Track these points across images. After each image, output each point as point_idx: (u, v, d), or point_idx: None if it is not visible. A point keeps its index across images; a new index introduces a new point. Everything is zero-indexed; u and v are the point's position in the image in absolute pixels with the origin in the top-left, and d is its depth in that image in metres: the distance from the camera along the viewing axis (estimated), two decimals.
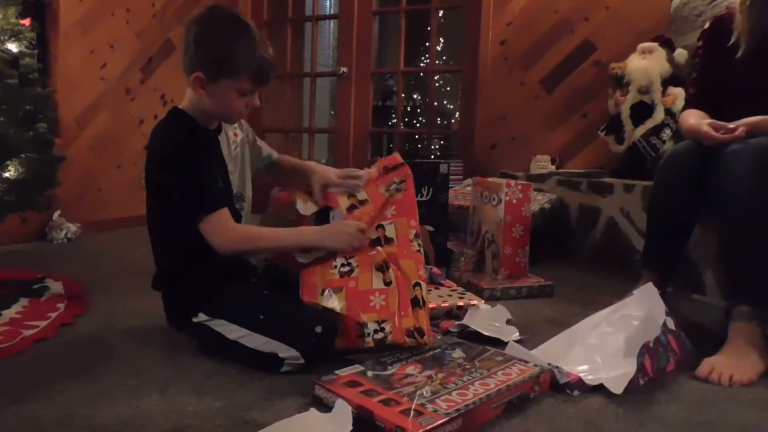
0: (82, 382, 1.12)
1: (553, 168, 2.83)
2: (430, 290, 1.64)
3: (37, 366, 1.21)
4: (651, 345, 1.13)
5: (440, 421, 0.89)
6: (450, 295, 1.66)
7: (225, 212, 1.26)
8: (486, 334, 1.39)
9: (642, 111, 2.44)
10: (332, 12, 5.45)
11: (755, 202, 1.29)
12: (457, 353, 1.19)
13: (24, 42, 1.90)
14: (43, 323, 1.44)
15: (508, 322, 1.51)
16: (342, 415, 0.92)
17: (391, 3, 5.14)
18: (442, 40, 5.95)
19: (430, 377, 1.06)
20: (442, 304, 1.57)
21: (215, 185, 1.28)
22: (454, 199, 2.53)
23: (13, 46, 1.86)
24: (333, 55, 6.07)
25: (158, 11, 3.22)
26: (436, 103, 5.78)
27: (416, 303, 1.23)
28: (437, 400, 0.96)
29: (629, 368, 1.11)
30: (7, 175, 1.76)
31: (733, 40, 1.60)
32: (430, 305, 1.45)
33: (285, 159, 1.60)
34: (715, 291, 1.80)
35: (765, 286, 1.29)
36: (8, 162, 1.77)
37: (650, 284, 1.34)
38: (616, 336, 1.25)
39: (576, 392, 1.10)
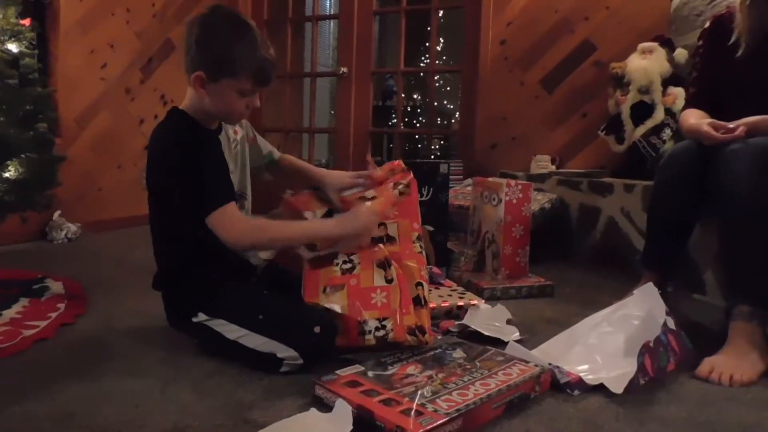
0: (82, 382, 1.12)
1: (553, 168, 2.83)
2: (430, 290, 1.63)
3: (37, 366, 1.21)
4: (651, 345, 1.13)
5: (441, 421, 0.89)
6: (450, 295, 1.66)
7: (232, 205, 1.25)
8: (486, 333, 1.39)
9: (642, 111, 2.44)
10: (332, 12, 5.45)
11: (755, 202, 1.29)
12: (458, 353, 1.19)
13: (24, 42, 1.90)
14: (43, 323, 1.44)
15: (509, 321, 1.51)
16: (342, 415, 0.92)
17: (391, 3, 5.14)
18: (442, 40, 5.95)
19: (430, 377, 1.05)
20: (442, 304, 1.57)
21: (219, 181, 1.28)
22: (454, 199, 2.53)
23: (13, 47, 1.86)
24: (333, 55, 6.08)
25: (158, 11, 3.22)
26: (436, 103, 5.78)
27: (418, 302, 1.24)
28: (438, 400, 0.96)
29: (629, 368, 1.11)
30: (7, 175, 1.76)
31: (733, 39, 1.60)
32: (430, 305, 1.45)
33: (289, 159, 1.60)
34: (715, 291, 1.80)
35: (765, 286, 1.29)
36: (8, 162, 1.77)
37: (650, 284, 1.34)
38: (616, 336, 1.26)
39: (576, 392, 1.10)
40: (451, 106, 7.07)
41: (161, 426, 0.95)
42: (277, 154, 1.58)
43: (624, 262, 2.15)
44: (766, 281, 1.29)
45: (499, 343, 1.32)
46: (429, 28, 3.51)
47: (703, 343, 1.30)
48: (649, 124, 2.41)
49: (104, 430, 0.93)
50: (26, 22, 1.97)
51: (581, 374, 1.14)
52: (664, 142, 2.37)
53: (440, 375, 1.06)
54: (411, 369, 1.09)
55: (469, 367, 1.11)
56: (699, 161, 1.49)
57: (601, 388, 1.11)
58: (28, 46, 1.92)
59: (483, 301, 1.64)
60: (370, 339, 1.19)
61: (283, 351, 1.16)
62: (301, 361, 1.16)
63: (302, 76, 4.09)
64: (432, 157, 5.39)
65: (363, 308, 1.21)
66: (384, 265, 1.27)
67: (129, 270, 2.07)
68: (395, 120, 4.05)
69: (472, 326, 1.41)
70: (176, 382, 1.12)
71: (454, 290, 1.73)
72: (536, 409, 1.04)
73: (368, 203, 1.36)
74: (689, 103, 1.74)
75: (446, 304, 1.57)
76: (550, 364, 1.15)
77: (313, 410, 0.97)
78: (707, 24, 1.75)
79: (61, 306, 1.59)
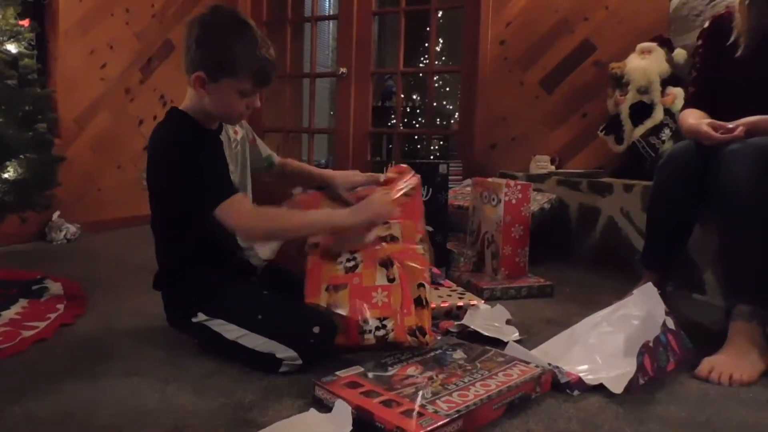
0: (82, 382, 1.11)
1: (552, 168, 2.83)
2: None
3: (36, 367, 1.21)
4: (651, 344, 1.13)
5: (441, 422, 0.89)
6: (449, 296, 1.66)
7: (240, 195, 1.26)
8: (486, 334, 1.38)
9: (641, 111, 2.45)
10: (331, 12, 5.45)
11: (755, 202, 1.29)
12: (458, 354, 1.18)
13: (23, 43, 1.90)
14: (42, 324, 1.43)
15: (508, 322, 1.51)
16: (342, 415, 0.92)
17: (390, 3, 5.15)
18: (441, 41, 5.95)
19: (430, 378, 1.05)
20: (442, 305, 1.57)
21: (223, 175, 1.28)
22: (453, 200, 2.53)
23: (12, 47, 1.86)
24: (332, 56, 6.08)
25: (158, 11, 3.22)
26: (435, 104, 5.79)
27: (419, 302, 1.23)
28: (438, 401, 0.95)
29: (629, 368, 1.11)
30: (6, 175, 1.76)
31: (732, 39, 1.60)
32: (430, 305, 1.45)
33: (292, 163, 1.60)
34: (714, 290, 1.81)
35: (765, 286, 1.29)
36: (8, 162, 1.77)
37: (650, 284, 1.34)
38: (616, 336, 1.26)
39: (576, 392, 1.10)
40: (451, 107, 7.07)
41: (161, 426, 0.95)
42: (277, 158, 1.58)
43: (623, 262, 2.15)
44: (765, 281, 1.29)
45: (499, 344, 1.32)
46: (428, 29, 3.51)
47: (702, 342, 1.30)
48: (648, 124, 2.41)
49: (104, 430, 0.94)
50: (25, 22, 1.97)
51: (581, 374, 1.14)
52: (663, 142, 2.37)
53: (440, 376, 1.06)
54: (411, 370, 1.09)
55: (469, 368, 1.11)
56: (698, 161, 1.50)
57: (600, 388, 1.11)
58: (27, 47, 1.93)
59: (482, 301, 1.64)
60: (370, 338, 1.19)
61: (283, 351, 1.16)
62: (300, 362, 1.16)
63: (302, 76, 4.09)
64: (431, 157, 5.39)
65: (364, 307, 1.21)
66: (386, 264, 1.27)
67: (128, 270, 2.07)
68: (394, 120, 4.06)
69: (472, 326, 1.41)
70: (176, 382, 1.12)
71: (454, 290, 1.73)
72: (536, 409, 1.04)
73: (381, 192, 1.35)
74: (688, 103, 1.74)
75: (446, 305, 1.57)
76: (549, 364, 1.15)
77: (312, 411, 0.97)
78: (706, 24, 1.76)
79: (61, 306, 1.59)
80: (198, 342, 1.31)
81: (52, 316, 1.50)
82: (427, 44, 3.94)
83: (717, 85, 1.65)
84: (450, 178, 2.07)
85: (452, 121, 6.77)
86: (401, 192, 1.39)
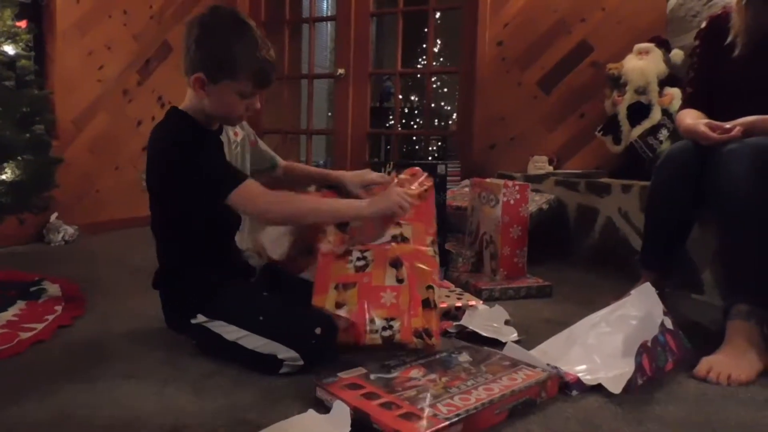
0: (80, 383, 1.11)
1: (550, 168, 2.83)
2: None
3: (34, 368, 1.20)
4: (649, 344, 1.13)
5: (439, 426, 0.88)
6: (448, 296, 1.66)
7: (252, 181, 1.25)
8: (484, 334, 1.39)
9: (639, 111, 2.45)
10: (329, 14, 5.46)
11: (753, 202, 1.30)
12: (464, 357, 1.17)
13: (20, 44, 1.90)
14: (40, 325, 1.43)
15: (507, 322, 1.51)
16: (340, 416, 0.92)
17: (388, 4, 5.15)
18: (439, 42, 5.97)
19: (433, 381, 1.05)
20: (441, 305, 1.56)
21: (228, 165, 1.28)
22: (452, 200, 2.53)
23: (9, 48, 1.86)
24: (330, 57, 6.09)
25: (155, 13, 3.21)
26: (433, 105, 5.79)
27: (427, 304, 1.22)
28: (438, 404, 0.95)
29: (627, 368, 1.11)
30: (4, 177, 1.76)
31: (729, 39, 1.60)
32: None
33: (299, 166, 1.60)
34: (713, 290, 1.81)
35: (763, 285, 1.29)
36: (5, 164, 1.77)
37: (648, 284, 1.34)
38: (614, 336, 1.25)
39: (575, 392, 1.10)
40: (449, 107, 7.08)
41: (159, 427, 0.95)
42: (281, 160, 1.57)
43: (622, 262, 2.15)
44: (763, 280, 1.29)
45: (497, 344, 1.32)
46: (426, 30, 3.52)
47: (701, 342, 1.30)
48: (646, 124, 2.42)
49: (102, 431, 0.93)
50: (22, 24, 1.97)
51: (580, 374, 1.14)
52: (660, 142, 2.37)
53: (443, 379, 1.06)
54: (414, 372, 1.09)
55: (473, 371, 1.10)
56: (696, 161, 1.50)
57: (599, 388, 1.11)
58: (25, 48, 1.92)
59: (481, 301, 1.64)
60: (376, 338, 1.18)
61: (284, 352, 1.16)
62: (301, 363, 1.16)
63: (300, 77, 4.09)
64: (429, 158, 5.39)
65: (372, 307, 1.21)
66: (396, 264, 1.27)
67: (127, 272, 2.07)
68: (393, 121, 4.06)
69: (471, 327, 1.41)
70: (174, 383, 1.12)
71: (452, 291, 1.73)
72: (535, 409, 1.04)
73: (401, 189, 1.34)
74: (686, 104, 1.74)
75: (444, 305, 1.57)
76: (548, 364, 1.15)
77: (311, 411, 0.96)
78: (704, 24, 1.76)
79: (59, 308, 1.58)
80: (196, 343, 1.31)
81: (50, 317, 1.50)
82: (425, 45, 3.95)
83: (714, 86, 1.65)
84: (448, 178, 2.07)
85: (450, 122, 6.79)
86: (416, 193, 1.38)
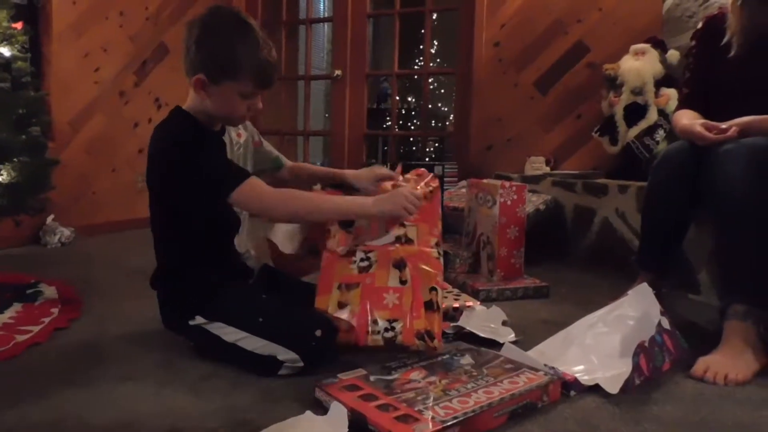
0: (77, 385, 1.11)
1: (547, 169, 2.83)
2: None
3: (31, 371, 1.20)
4: (646, 344, 1.13)
5: (436, 429, 0.88)
6: (445, 297, 1.66)
7: (255, 178, 1.24)
8: (481, 335, 1.38)
9: (635, 112, 2.45)
10: (326, 15, 5.46)
11: (749, 202, 1.30)
12: (466, 359, 1.17)
13: (16, 46, 1.90)
14: (36, 328, 1.43)
15: (504, 323, 1.51)
16: (337, 417, 0.92)
17: (385, 5, 5.15)
18: (436, 43, 5.97)
19: (432, 383, 1.04)
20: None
21: (230, 163, 1.27)
22: (449, 201, 2.54)
23: (5, 50, 1.86)
24: (327, 58, 6.09)
25: (152, 14, 3.21)
26: (430, 106, 5.80)
27: (430, 306, 1.21)
28: (436, 407, 0.94)
29: (625, 368, 1.11)
30: (0, 178, 1.76)
31: (725, 40, 1.60)
32: None
33: (305, 166, 1.60)
34: (710, 290, 1.81)
35: (760, 285, 1.29)
36: (1, 166, 1.77)
37: (645, 284, 1.34)
38: (611, 336, 1.26)
39: (572, 392, 1.10)
40: (446, 109, 7.09)
41: (157, 429, 0.94)
42: (286, 161, 1.56)
43: (619, 262, 2.15)
44: (760, 280, 1.30)
45: (495, 345, 1.32)
46: (423, 31, 3.52)
47: (698, 342, 1.30)
48: (643, 125, 2.42)
49: None
50: (18, 25, 1.97)
51: (577, 375, 1.14)
52: (657, 142, 2.38)
53: (443, 381, 1.05)
54: (414, 374, 1.08)
55: (475, 374, 1.10)
56: (692, 161, 1.50)
57: (597, 389, 1.11)
58: (21, 50, 1.92)
59: (478, 302, 1.64)
60: (378, 339, 1.17)
61: (284, 354, 1.15)
62: (301, 364, 1.16)
63: (296, 79, 4.09)
64: (427, 159, 5.39)
65: (374, 308, 1.20)
66: (400, 265, 1.26)
67: (123, 274, 2.06)
68: (390, 122, 4.06)
69: (468, 328, 1.41)
70: (172, 385, 1.12)
71: (450, 292, 1.73)
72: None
73: (411, 189, 1.33)
74: (682, 104, 1.75)
75: (442, 307, 1.57)
76: (545, 365, 1.15)
77: (308, 413, 0.96)
78: (700, 25, 1.76)
79: (55, 310, 1.58)
80: (194, 345, 1.30)
81: (47, 320, 1.49)
82: (421, 46, 3.95)
83: (710, 86, 1.66)
84: (445, 179, 2.07)
85: (447, 123, 6.79)
86: (422, 194, 1.37)
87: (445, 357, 1.18)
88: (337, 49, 3.59)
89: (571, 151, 2.92)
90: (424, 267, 1.26)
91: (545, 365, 1.14)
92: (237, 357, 1.20)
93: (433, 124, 6.99)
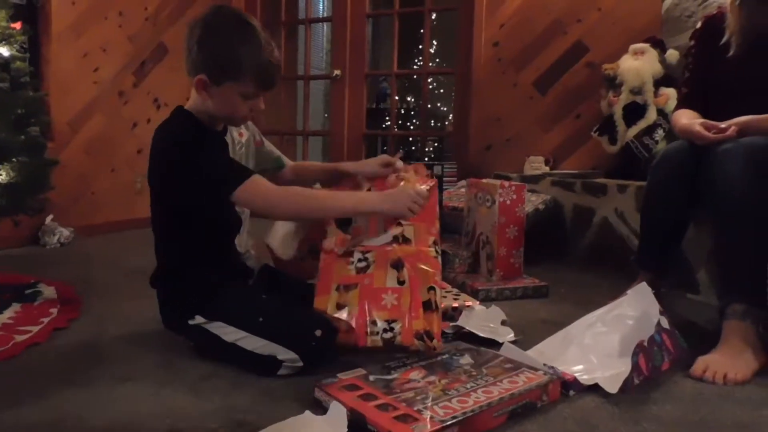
0: (76, 386, 1.11)
1: (546, 169, 2.83)
2: None
3: (30, 371, 1.20)
4: (645, 344, 1.13)
5: (435, 428, 0.88)
6: (445, 297, 1.66)
7: (258, 176, 1.23)
8: (481, 335, 1.38)
9: (635, 111, 2.45)
10: (325, 15, 5.45)
11: (748, 201, 1.30)
12: (465, 359, 1.17)
13: (15, 46, 1.89)
14: (35, 328, 1.43)
15: (503, 323, 1.51)
16: (337, 417, 0.92)
17: (384, 5, 5.15)
18: (435, 43, 5.97)
19: (432, 383, 1.04)
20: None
21: (232, 162, 1.27)
22: (448, 201, 2.54)
23: (4, 50, 1.85)
24: (326, 58, 6.08)
25: (151, 15, 3.21)
26: (429, 106, 5.79)
27: (428, 306, 1.21)
28: (435, 407, 0.94)
29: (624, 367, 1.11)
30: None
31: (724, 39, 1.60)
32: None
33: (307, 165, 1.60)
34: (709, 290, 1.81)
35: (758, 285, 1.30)
36: (0, 166, 1.76)
37: (644, 284, 1.34)
38: (611, 336, 1.26)
39: (572, 392, 1.10)
40: (445, 108, 7.08)
41: (156, 429, 0.94)
42: (288, 161, 1.56)
43: (618, 262, 2.15)
44: (759, 280, 1.30)
45: (494, 345, 1.32)
46: (422, 31, 3.52)
47: (697, 342, 1.30)
48: (642, 124, 2.42)
49: None
50: (17, 25, 1.97)
51: (576, 374, 1.14)
52: (656, 142, 2.38)
53: (443, 381, 1.05)
54: (414, 374, 1.08)
55: (474, 373, 1.10)
56: (691, 161, 1.50)
57: (596, 388, 1.11)
58: (20, 50, 1.92)
59: (478, 302, 1.64)
60: (376, 340, 1.17)
61: (284, 353, 1.15)
62: (300, 364, 1.15)
63: (296, 79, 4.09)
64: (426, 159, 5.39)
65: (373, 309, 1.20)
66: (397, 266, 1.26)
67: (123, 274, 2.06)
68: (389, 122, 4.06)
69: (467, 328, 1.41)
70: (171, 385, 1.12)
71: (449, 292, 1.73)
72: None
73: (417, 187, 1.32)
74: (681, 104, 1.75)
75: (441, 306, 1.57)
76: (545, 364, 1.15)
77: (307, 413, 0.96)
78: (699, 25, 1.77)
79: (54, 310, 1.58)
80: (194, 345, 1.30)
81: (46, 320, 1.49)
82: (421, 46, 3.95)
83: (709, 86, 1.66)
84: (445, 179, 2.07)
85: (447, 123, 6.79)
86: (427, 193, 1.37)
87: (444, 357, 1.18)
88: (337, 49, 3.59)
89: (570, 150, 2.92)
90: (422, 266, 1.26)
91: (544, 365, 1.14)
92: (237, 357, 1.20)
93: (432, 124, 6.99)
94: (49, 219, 2.63)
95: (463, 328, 1.42)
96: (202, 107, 1.27)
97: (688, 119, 1.57)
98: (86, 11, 2.85)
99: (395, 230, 1.31)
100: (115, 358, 1.27)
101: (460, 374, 1.09)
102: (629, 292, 1.35)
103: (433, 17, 4.35)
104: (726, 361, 1.21)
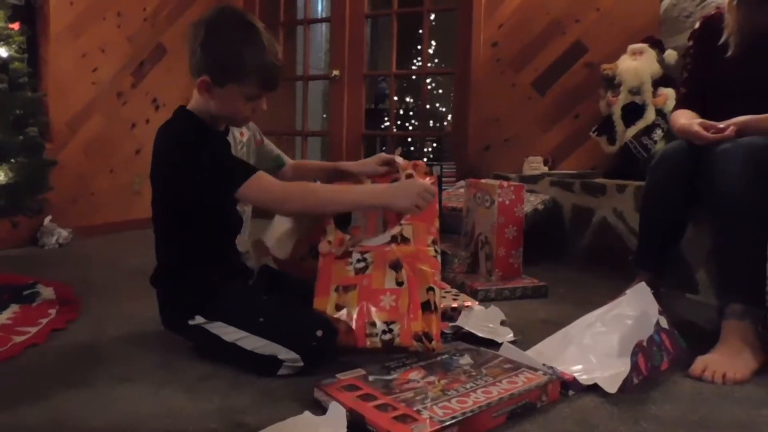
0: (74, 387, 1.11)
1: (545, 169, 2.84)
2: None
3: (28, 372, 1.20)
4: (644, 344, 1.13)
5: (435, 428, 0.88)
6: (444, 297, 1.66)
7: (263, 173, 1.22)
8: (480, 335, 1.38)
9: (633, 112, 2.46)
10: (324, 15, 5.46)
11: (747, 201, 1.30)
12: (465, 359, 1.17)
13: (13, 46, 1.89)
14: (34, 329, 1.42)
15: (502, 323, 1.51)
16: (336, 417, 0.92)
17: (382, 6, 5.16)
18: (434, 43, 5.97)
19: (431, 383, 1.04)
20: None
21: (237, 159, 1.26)
22: (447, 201, 2.54)
23: (2, 51, 1.85)
24: (325, 59, 6.08)
25: (149, 15, 3.21)
26: (428, 106, 5.80)
27: (427, 307, 1.21)
28: (435, 407, 0.94)
29: (623, 367, 1.11)
30: None
31: (723, 39, 1.61)
32: None
33: (307, 164, 1.60)
34: (708, 290, 1.81)
35: (757, 284, 1.30)
36: None
37: (643, 283, 1.34)
38: (610, 335, 1.26)
39: (571, 392, 1.10)
40: (444, 109, 7.09)
41: (155, 430, 0.94)
42: (288, 160, 1.55)
43: (617, 262, 2.15)
44: (758, 280, 1.30)
45: (493, 345, 1.32)
46: (421, 31, 3.52)
47: (696, 341, 1.30)
48: (641, 124, 2.42)
49: None
50: (15, 26, 1.97)
51: (575, 374, 1.14)
52: (655, 142, 2.38)
53: (442, 381, 1.05)
54: (413, 374, 1.08)
55: (474, 374, 1.09)
56: (690, 161, 1.50)
57: (595, 388, 1.11)
58: (18, 50, 1.92)
59: (477, 302, 1.64)
60: (376, 341, 1.17)
61: (285, 353, 1.15)
62: (301, 364, 1.15)
63: (294, 79, 4.09)
64: (425, 159, 5.39)
65: (372, 310, 1.19)
66: (396, 266, 1.25)
67: (121, 274, 2.06)
68: (388, 123, 4.06)
69: (466, 328, 1.41)
70: (170, 385, 1.12)
71: (448, 292, 1.73)
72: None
73: (424, 182, 1.31)
74: (680, 104, 1.75)
75: (440, 306, 1.57)
76: (544, 364, 1.15)
77: (306, 413, 0.96)
78: (697, 25, 1.77)
79: (53, 311, 1.57)
80: (193, 345, 1.30)
81: (44, 321, 1.49)
82: (419, 46, 3.95)
83: (708, 86, 1.66)
84: (444, 179, 2.07)
85: (445, 123, 6.79)
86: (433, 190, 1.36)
87: (443, 357, 1.18)
88: (335, 50, 3.59)
89: (569, 150, 2.93)
90: (421, 266, 1.26)
91: (544, 365, 1.14)
92: (237, 356, 1.20)
93: (431, 124, 7.00)
94: (47, 220, 2.63)
95: (463, 328, 1.42)
96: (204, 108, 1.27)
97: (686, 119, 1.57)
98: (84, 12, 2.84)
99: (394, 230, 1.31)
100: (114, 359, 1.26)
101: (459, 374, 1.09)
102: (628, 291, 1.35)
103: (432, 17, 4.36)
104: (725, 361, 1.21)
